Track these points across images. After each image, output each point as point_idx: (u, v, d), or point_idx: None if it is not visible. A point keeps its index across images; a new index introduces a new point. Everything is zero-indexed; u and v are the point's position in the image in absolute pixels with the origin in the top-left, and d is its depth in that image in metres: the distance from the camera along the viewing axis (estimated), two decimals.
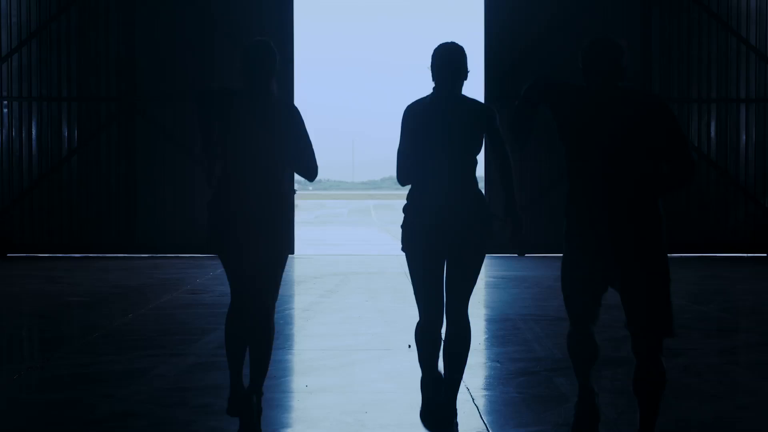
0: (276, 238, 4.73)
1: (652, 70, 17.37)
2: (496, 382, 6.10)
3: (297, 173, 4.85)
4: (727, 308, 9.73)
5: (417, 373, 5.96)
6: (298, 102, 17.78)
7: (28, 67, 17.13)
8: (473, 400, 5.57)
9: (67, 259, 16.38)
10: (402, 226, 4.87)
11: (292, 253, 4.64)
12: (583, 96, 4.42)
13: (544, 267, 14.68)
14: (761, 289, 11.66)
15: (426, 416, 4.91)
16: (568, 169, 4.47)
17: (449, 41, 4.85)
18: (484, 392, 5.79)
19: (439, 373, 5.00)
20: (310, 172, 4.78)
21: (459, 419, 5.06)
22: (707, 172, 17.45)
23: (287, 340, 7.83)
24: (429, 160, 4.72)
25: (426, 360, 4.97)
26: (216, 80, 17.18)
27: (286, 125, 4.72)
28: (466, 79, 4.79)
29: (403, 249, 4.87)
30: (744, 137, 17.47)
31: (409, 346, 7.33)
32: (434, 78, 4.78)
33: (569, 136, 4.43)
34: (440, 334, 4.94)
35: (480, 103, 4.84)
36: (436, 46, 4.83)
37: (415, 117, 4.79)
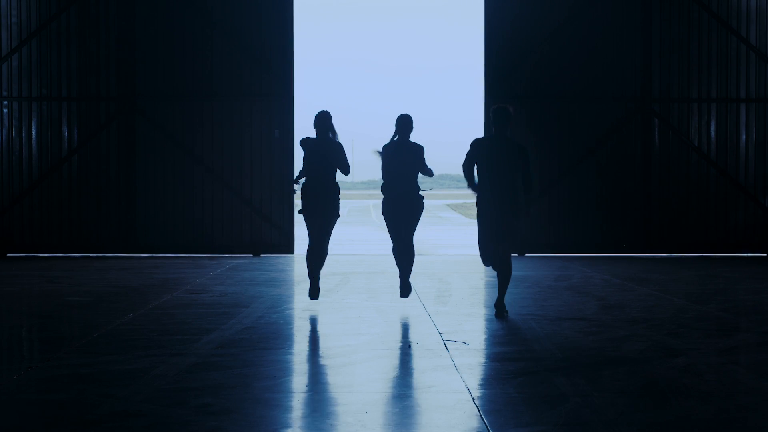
0: (329, 209, 9.65)
1: (652, 70, 17.37)
2: (496, 382, 6.10)
3: (340, 171, 9.69)
4: (727, 308, 9.73)
5: (417, 373, 6.03)
6: (298, 102, 17.84)
7: (28, 67, 17.14)
8: (473, 400, 5.57)
9: (67, 259, 16.38)
10: (382, 202, 9.59)
11: (339, 215, 9.91)
12: (486, 143, 9.03)
13: (544, 267, 14.68)
14: (761, 289, 11.66)
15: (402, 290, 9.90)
16: (479, 179, 8.92)
17: (404, 113, 9.65)
18: (484, 392, 5.79)
19: (407, 280, 9.84)
20: (346, 172, 9.78)
21: (459, 419, 5.15)
22: (707, 172, 17.46)
23: (287, 340, 7.83)
24: (394, 170, 9.51)
25: (398, 264, 9.78)
26: (215, 81, 17.22)
27: (335, 153, 9.64)
28: (412, 131, 9.56)
29: (382, 213, 9.61)
30: (744, 137, 17.47)
31: (410, 346, 7.34)
32: (396, 131, 9.56)
33: (480, 163, 8.90)
34: (406, 253, 9.72)
35: (417, 144, 9.53)
36: (398, 115, 9.61)
37: (388, 150, 9.55)
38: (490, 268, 9.29)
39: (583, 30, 17.38)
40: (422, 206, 9.56)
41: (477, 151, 8.88)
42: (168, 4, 17.18)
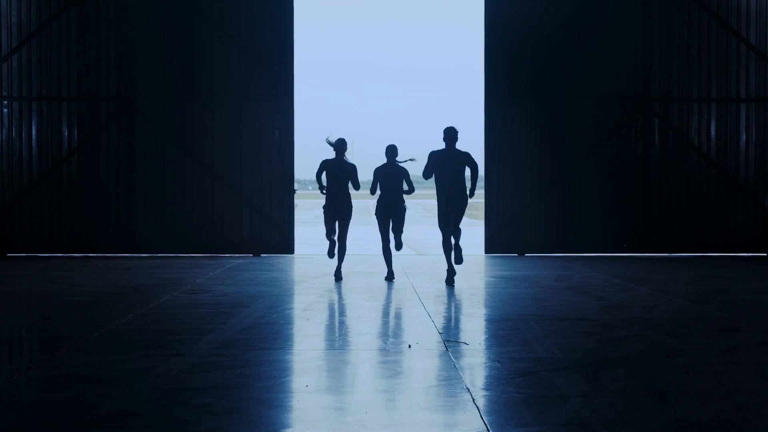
0: (346, 210, 12.44)
1: (652, 70, 17.38)
2: (496, 382, 6.10)
3: (352, 187, 12.51)
4: (727, 308, 9.73)
5: (417, 373, 6.02)
6: (299, 102, 17.90)
7: (28, 67, 17.14)
8: (473, 400, 5.57)
9: (67, 259, 16.38)
10: (376, 206, 12.63)
11: (351, 216, 12.65)
12: (441, 153, 11.85)
13: (544, 267, 14.67)
14: (761, 289, 11.66)
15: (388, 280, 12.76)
16: (435, 180, 11.89)
17: (392, 143, 12.52)
18: (484, 392, 5.79)
19: (391, 269, 12.85)
20: (357, 188, 12.54)
21: (459, 419, 5.16)
22: (707, 172, 17.46)
23: (287, 340, 7.83)
24: (385, 186, 12.43)
25: (387, 260, 12.69)
26: (215, 81, 17.22)
27: (350, 172, 12.48)
28: (398, 156, 12.48)
29: (375, 215, 12.68)
30: (744, 137, 17.48)
31: (410, 346, 7.34)
32: (386, 155, 12.47)
33: (437, 169, 11.80)
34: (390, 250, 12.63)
35: (403, 166, 12.44)
36: (386, 145, 12.59)
37: (380, 171, 12.46)
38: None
39: (582, 30, 17.38)
40: (405, 210, 12.60)
41: (434, 159, 11.86)
42: (169, 4, 17.18)
